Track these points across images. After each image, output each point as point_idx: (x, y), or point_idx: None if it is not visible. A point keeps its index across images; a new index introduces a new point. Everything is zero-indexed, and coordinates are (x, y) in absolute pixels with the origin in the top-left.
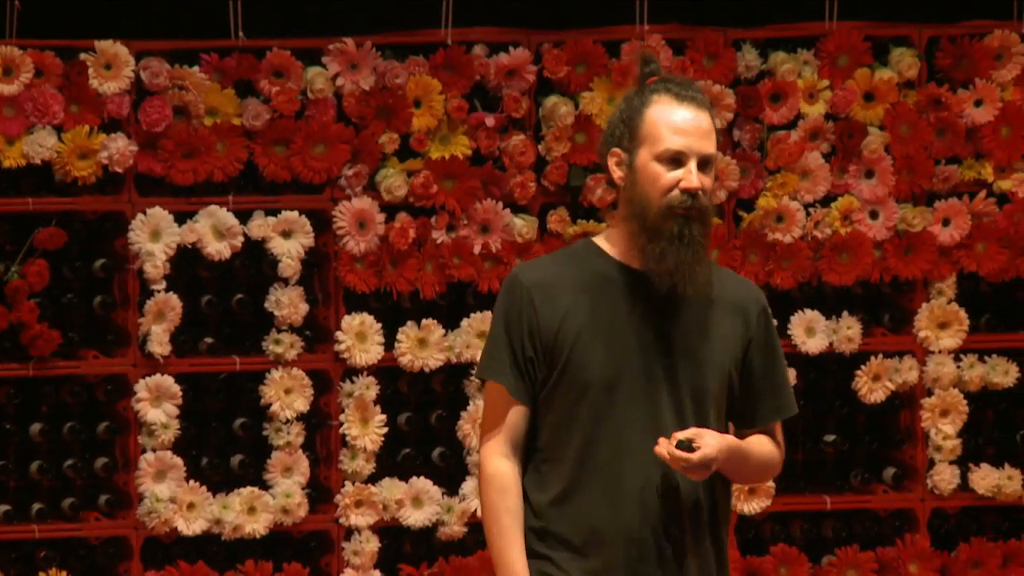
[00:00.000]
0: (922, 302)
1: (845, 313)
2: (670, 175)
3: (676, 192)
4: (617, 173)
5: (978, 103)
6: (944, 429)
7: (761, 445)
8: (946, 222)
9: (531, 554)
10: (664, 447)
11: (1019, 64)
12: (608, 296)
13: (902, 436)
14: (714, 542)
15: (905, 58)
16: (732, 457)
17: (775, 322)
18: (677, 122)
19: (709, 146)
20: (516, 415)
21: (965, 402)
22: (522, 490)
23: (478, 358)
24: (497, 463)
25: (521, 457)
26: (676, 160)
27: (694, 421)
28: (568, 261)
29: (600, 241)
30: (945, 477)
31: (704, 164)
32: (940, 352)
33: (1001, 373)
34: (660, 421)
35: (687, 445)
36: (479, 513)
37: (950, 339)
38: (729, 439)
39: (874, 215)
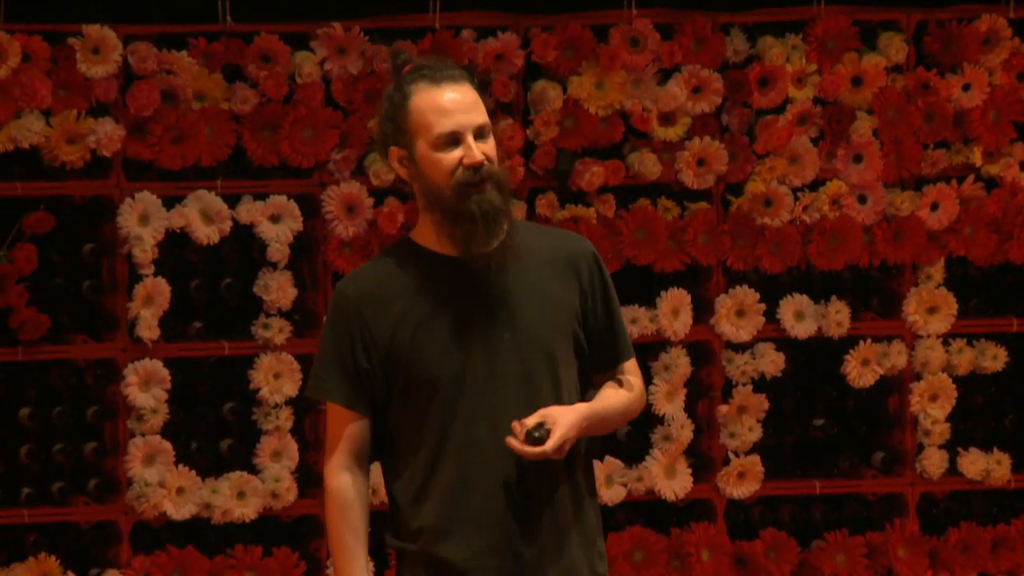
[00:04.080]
0: (911, 286)
1: (834, 297)
2: (451, 156)
3: (461, 170)
4: (403, 171)
5: (966, 87)
6: (933, 413)
7: (616, 396)
8: (934, 206)
9: (402, 557)
10: (515, 443)
11: (1007, 48)
12: (436, 291)
13: (891, 420)
14: (577, 522)
15: (893, 42)
16: (589, 425)
17: (606, 268)
18: (442, 104)
19: (479, 116)
20: (356, 428)
21: (954, 386)
22: (367, 500)
23: None
24: (338, 479)
25: (366, 467)
26: (453, 141)
27: (550, 390)
28: (389, 265)
29: (415, 237)
30: (934, 461)
31: (480, 134)
32: (929, 336)
33: (990, 357)
34: (515, 398)
35: (540, 429)
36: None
37: (939, 323)
38: (580, 408)
39: (862, 199)
